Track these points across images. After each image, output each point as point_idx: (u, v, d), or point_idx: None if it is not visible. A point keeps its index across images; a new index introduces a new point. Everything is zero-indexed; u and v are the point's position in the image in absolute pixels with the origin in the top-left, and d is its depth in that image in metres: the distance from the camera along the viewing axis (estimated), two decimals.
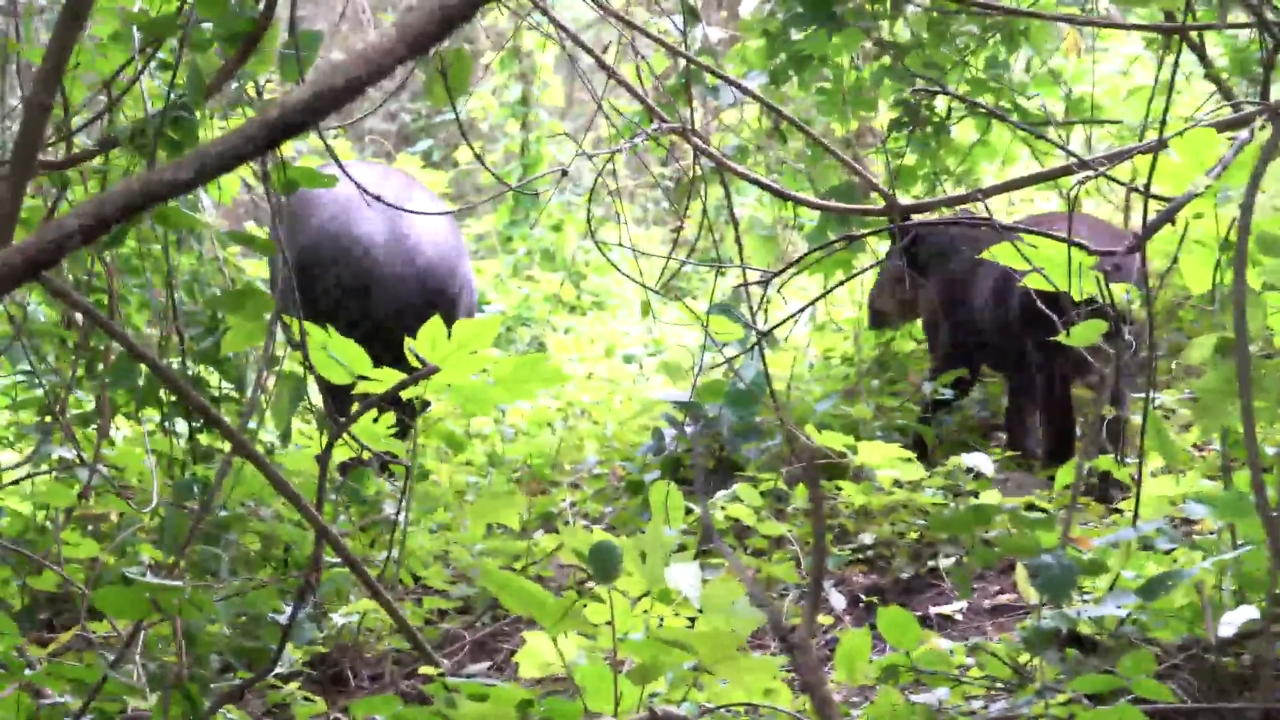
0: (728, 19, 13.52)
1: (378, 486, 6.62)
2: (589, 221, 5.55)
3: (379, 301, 7.52)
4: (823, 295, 5.02)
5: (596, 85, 6.25)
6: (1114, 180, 4.28)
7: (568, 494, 7.48)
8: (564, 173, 4.86)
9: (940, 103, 7.69)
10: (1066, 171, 4.59)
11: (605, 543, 4.12)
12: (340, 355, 5.04)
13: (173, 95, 4.31)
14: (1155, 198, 4.05)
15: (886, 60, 7.65)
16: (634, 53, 5.62)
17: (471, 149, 4.77)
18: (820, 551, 2.02)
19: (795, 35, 7.74)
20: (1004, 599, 5.60)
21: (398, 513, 5.15)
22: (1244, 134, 3.99)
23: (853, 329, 8.48)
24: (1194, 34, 6.66)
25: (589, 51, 5.54)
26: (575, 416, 8.52)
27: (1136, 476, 4.29)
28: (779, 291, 6.33)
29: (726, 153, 8.15)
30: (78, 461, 5.54)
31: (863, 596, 5.87)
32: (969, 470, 6.17)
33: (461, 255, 7.73)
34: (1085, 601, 4.19)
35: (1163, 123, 3.94)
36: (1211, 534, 4.54)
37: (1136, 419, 5.52)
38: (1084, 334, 4.11)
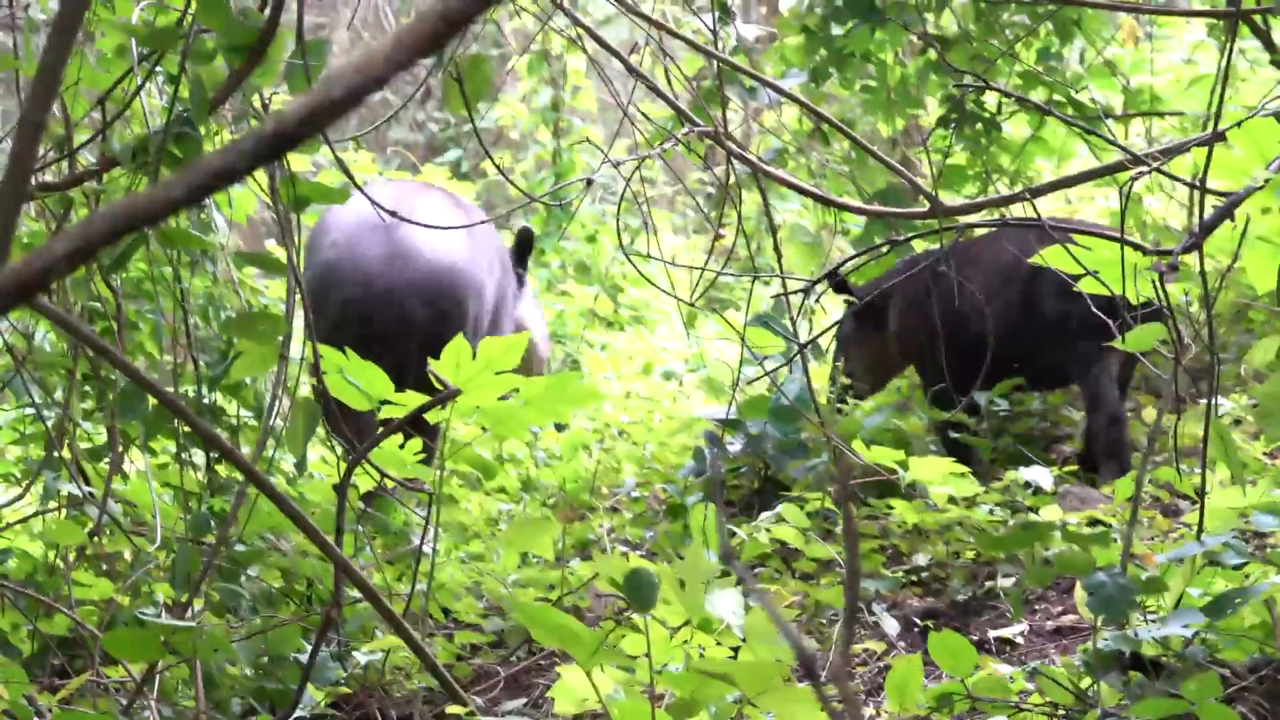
0: (767, 14, 13.54)
1: (405, 516, 6.63)
2: (619, 234, 5.54)
3: (379, 320, 7.64)
4: (864, 302, 5.01)
5: (629, 88, 6.26)
6: (1169, 176, 4.26)
7: (606, 519, 7.48)
8: (589, 182, 4.87)
9: (991, 98, 7.67)
10: (1119, 168, 4.57)
11: (640, 570, 4.11)
12: (359, 379, 5.06)
13: (175, 110, 4.32)
14: (1213, 193, 4.03)
15: (932, 55, 7.63)
16: (662, 53, 5.61)
17: (491, 160, 4.78)
18: (854, 576, 2.02)
19: (836, 31, 7.75)
20: (1067, 620, 5.57)
21: (421, 542, 5.15)
22: None
23: None
24: (1259, 18, 6.63)
25: (613, 53, 5.55)
26: (613, 438, 8.51)
27: (1200, 488, 4.26)
28: (818, 301, 6.34)
29: (765, 156, 8.15)
30: (86, 497, 5.55)
31: (917, 620, 5.86)
32: (1027, 485, 6.16)
33: (473, 264, 7.77)
34: (1150, 621, 4.17)
35: (1216, 114, 3.92)
36: None
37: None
38: (1141, 338, 4.10)
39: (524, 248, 8.22)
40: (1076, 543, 4.01)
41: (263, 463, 4.91)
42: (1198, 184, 3.99)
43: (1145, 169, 4.13)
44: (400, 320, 7.68)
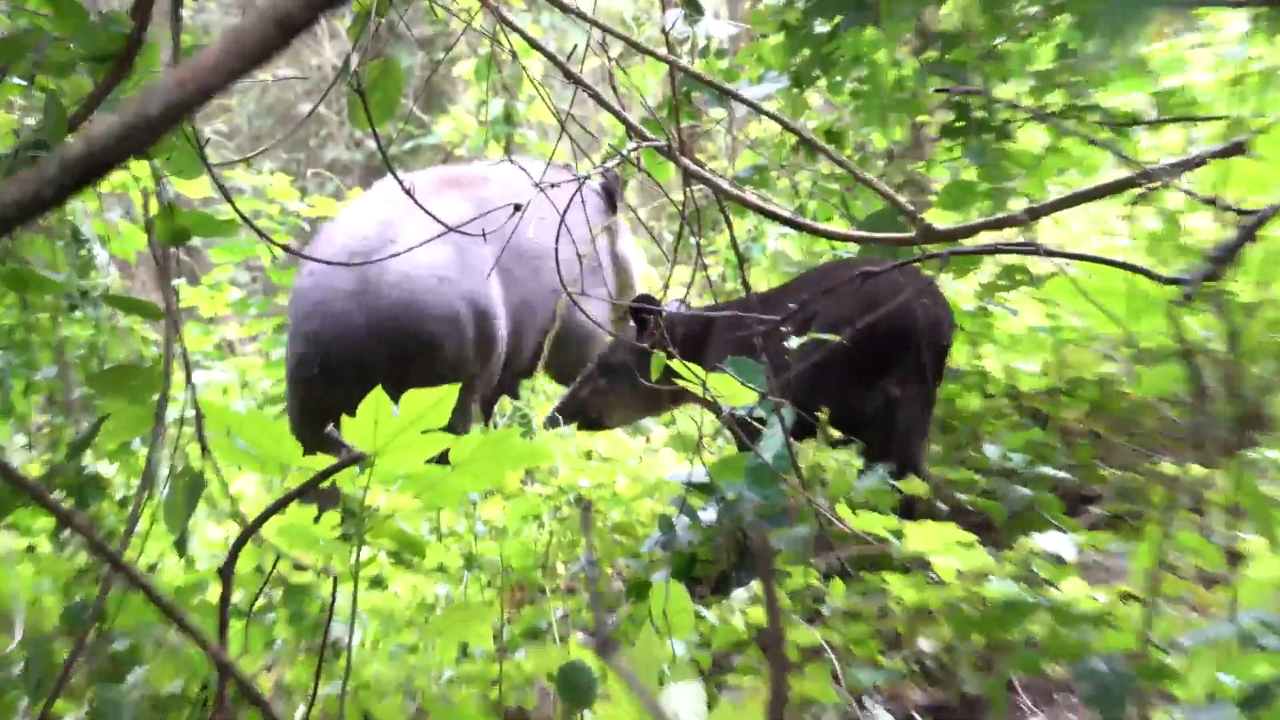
0: (751, 10, 13.52)
1: (322, 603, 6.58)
2: (558, 265, 5.51)
3: (337, 358, 7.78)
4: (840, 339, 4.98)
5: (585, 98, 6.25)
6: (1185, 192, 4.23)
7: (559, 602, 7.42)
8: (517, 207, 4.84)
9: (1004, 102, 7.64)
10: (1129, 184, 4.54)
11: (575, 663, 4.09)
12: (256, 440, 5.01)
13: (27, 129, 4.30)
14: (1235, 211, 4.01)
15: (933, 54, 7.59)
16: (607, 58, 5.59)
17: (401, 184, 4.75)
18: (780, 664, 2.00)
19: (820, 28, 7.71)
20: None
21: (326, 636, 5.10)
22: None
23: None
24: None
25: (552, 59, 5.53)
26: (569, 505, 8.46)
27: (1231, 555, 4.23)
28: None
29: (743, 174, 8.13)
30: None
31: (917, 717, 5.81)
32: (1045, 554, 6.11)
33: (458, 289, 7.90)
34: (1177, 715, 4.13)
35: (1240, 120, 3.90)
36: None
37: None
38: (1157, 382, 4.07)
39: (610, 196, 8.39)
40: (1069, 623, 3.97)
41: (136, 543, 4.87)
42: (1216, 201, 3.96)
43: (1155, 184, 4.11)
44: (359, 359, 7.80)
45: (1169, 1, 7.08)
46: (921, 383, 7.26)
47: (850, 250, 8.18)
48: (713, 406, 7.00)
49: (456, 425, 8.41)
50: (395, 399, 6.85)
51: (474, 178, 8.60)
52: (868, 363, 6.93)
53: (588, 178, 6.48)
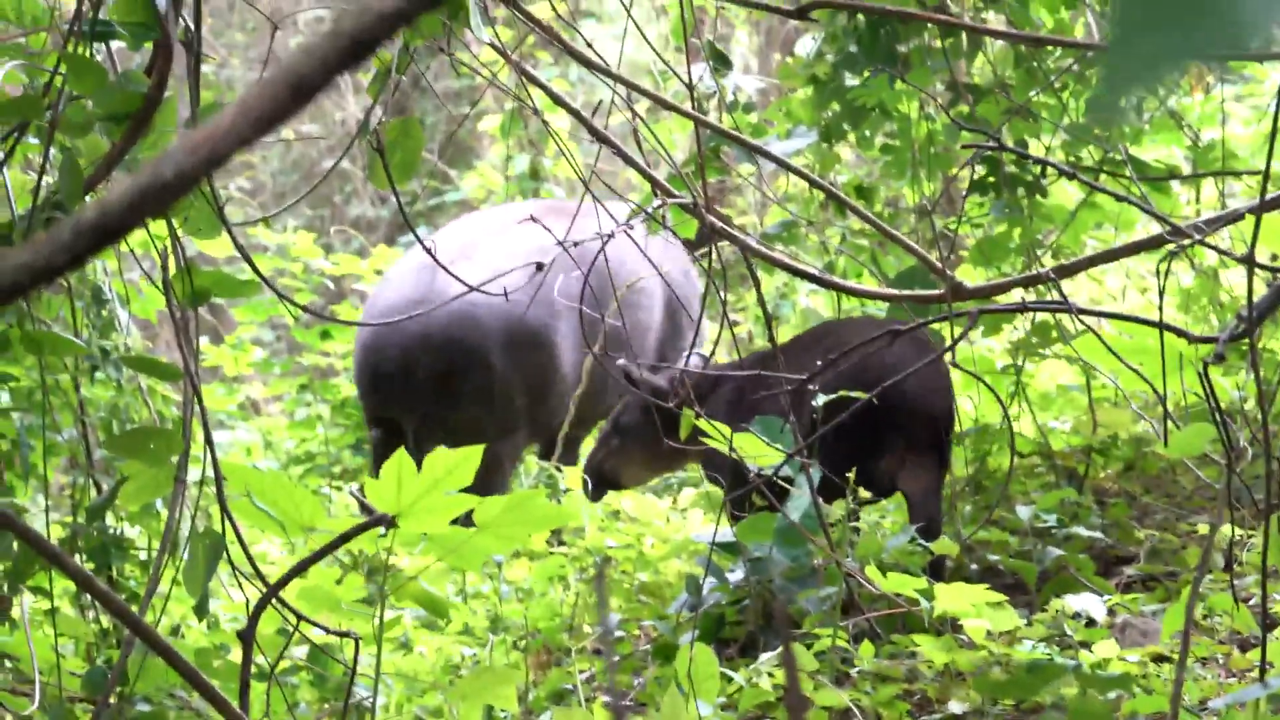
0: (780, 63, 13.56)
1: (345, 665, 6.58)
2: (582, 325, 5.53)
3: (384, 368, 7.99)
4: (869, 397, 4.99)
5: (608, 154, 6.27)
6: (1215, 249, 4.24)
7: (586, 664, 7.41)
8: (539, 265, 4.86)
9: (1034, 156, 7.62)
10: (1160, 241, 4.54)
11: None
12: (277, 502, 5.02)
13: (44, 191, 4.32)
14: (1269, 269, 4.02)
15: (963, 108, 7.59)
16: (632, 114, 5.61)
17: (420, 242, 4.78)
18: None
19: (850, 81, 7.72)
20: None
21: (348, 697, 5.11)
22: None
23: None
24: None
25: (576, 116, 5.57)
26: (595, 566, 8.45)
27: (1262, 618, 4.23)
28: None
29: (772, 230, 8.15)
30: None
31: None
32: (1077, 615, 6.10)
33: (516, 309, 8.03)
34: None
35: (1265, 175, 3.90)
36: None
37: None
38: (1189, 442, 4.07)
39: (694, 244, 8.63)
40: (1099, 686, 3.97)
41: (156, 604, 4.88)
42: (1250, 258, 3.96)
43: (1187, 241, 4.11)
44: (405, 370, 7.95)
45: (1194, 54, 7.08)
46: (928, 451, 7.18)
47: (880, 307, 8.19)
48: (717, 476, 7.01)
49: (494, 479, 8.40)
50: (443, 418, 6.97)
51: (570, 211, 8.65)
52: (857, 437, 6.82)
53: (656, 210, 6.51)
